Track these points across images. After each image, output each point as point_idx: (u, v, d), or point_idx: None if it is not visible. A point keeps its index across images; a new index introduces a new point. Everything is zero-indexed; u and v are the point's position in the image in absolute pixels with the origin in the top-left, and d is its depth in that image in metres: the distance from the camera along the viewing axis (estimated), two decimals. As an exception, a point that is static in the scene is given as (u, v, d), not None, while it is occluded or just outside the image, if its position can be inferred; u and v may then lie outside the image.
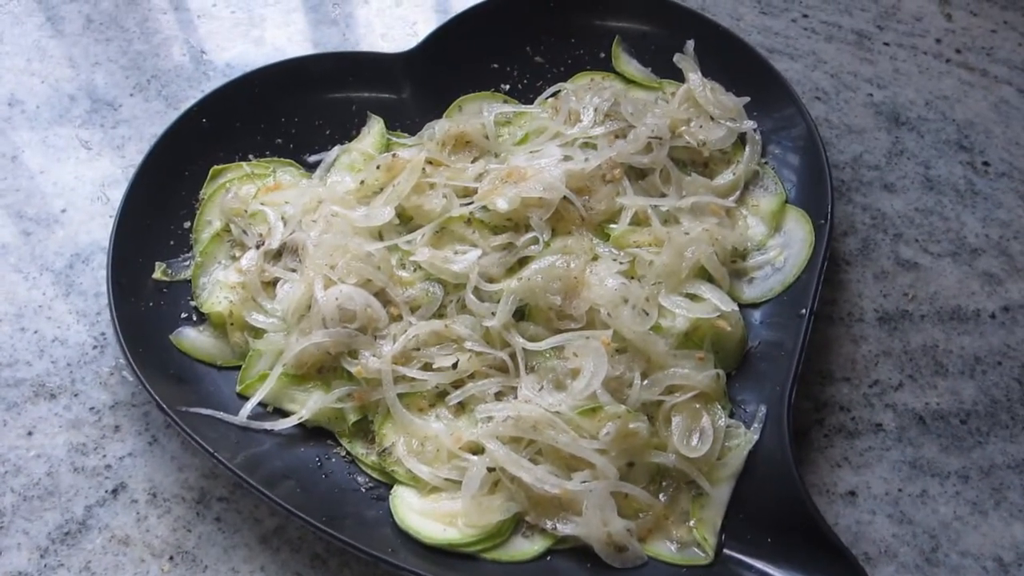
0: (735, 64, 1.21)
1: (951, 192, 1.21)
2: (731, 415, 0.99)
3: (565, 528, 0.91)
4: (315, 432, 1.00)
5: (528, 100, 1.24)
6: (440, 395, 0.99)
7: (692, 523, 0.93)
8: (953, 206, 1.20)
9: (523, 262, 1.04)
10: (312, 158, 1.19)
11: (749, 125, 1.17)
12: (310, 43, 1.39)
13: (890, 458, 1.00)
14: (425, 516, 0.92)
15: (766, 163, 1.17)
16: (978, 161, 1.24)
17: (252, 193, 1.12)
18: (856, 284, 1.13)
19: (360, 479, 0.97)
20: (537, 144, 1.13)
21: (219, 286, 1.07)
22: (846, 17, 1.40)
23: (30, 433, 1.02)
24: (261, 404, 0.99)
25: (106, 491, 0.99)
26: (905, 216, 1.19)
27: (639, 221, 1.08)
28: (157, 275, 1.07)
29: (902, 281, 1.13)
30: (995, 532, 0.96)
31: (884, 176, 1.23)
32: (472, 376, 0.99)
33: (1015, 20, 1.40)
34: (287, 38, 1.39)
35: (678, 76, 1.22)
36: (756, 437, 0.96)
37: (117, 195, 1.08)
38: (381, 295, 1.02)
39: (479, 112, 1.18)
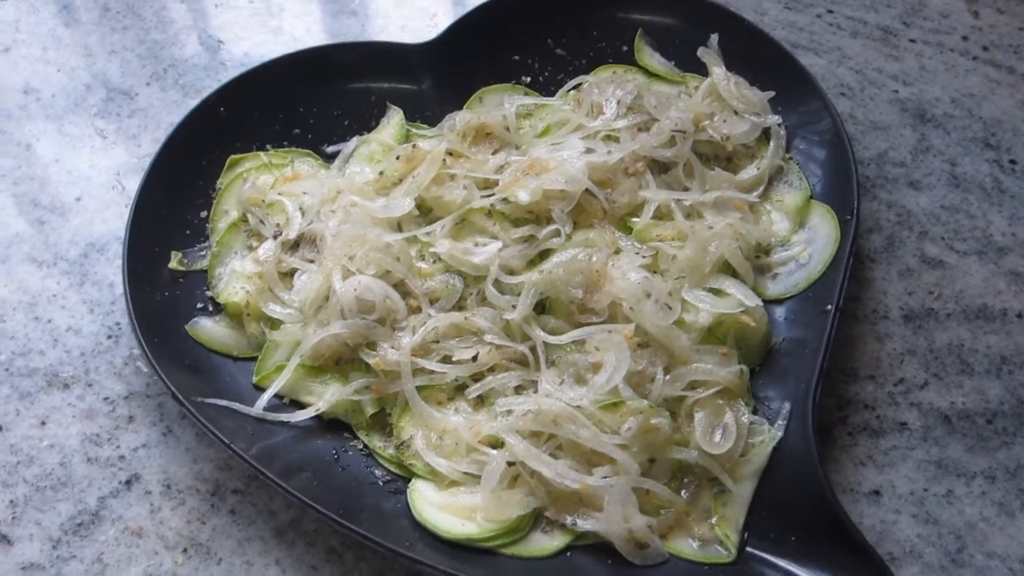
0: (759, 58, 1.20)
1: (977, 190, 1.20)
2: (755, 412, 0.98)
3: (585, 524, 0.90)
4: (332, 424, 0.99)
5: (549, 93, 1.23)
6: (459, 388, 0.98)
7: (714, 520, 0.92)
8: (979, 204, 1.19)
9: (544, 255, 1.04)
10: (331, 148, 1.18)
11: (773, 120, 1.16)
12: (328, 34, 1.38)
13: (915, 457, 1.00)
14: (443, 510, 0.92)
15: (791, 158, 1.16)
16: (1005, 159, 1.23)
17: (270, 183, 1.11)
18: (881, 282, 1.12)
19: (377, 472, 0.96)
20: (559, 136, 1.12)
21: (236, 276, 1.06)
22: (872, 13, 1.39)
23: (43, 423, 1.02)
24: (277, 396, 0.99)
25: (120, 482, 0.98)
26: (931, 214, 1.18)
27: (662, 215, 1.08)
28: (173, 265, 1.07)
29: (927, 279, 1.12)
30: (1021, 533, 0.95)
31: (910, 173, 1.22)
32: (492, 369, 0.98)
33: (1042, 18, 1.39)
34: (305, 28, 1.38)
35: (701, 70, 1.21)
36: (780, 434, 0.95)
37: (132, 184, 1.09)
38: (400, 286, 1.02)
39: (500, 104, 1.18)
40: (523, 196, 1.03)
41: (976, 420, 1.02)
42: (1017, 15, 1.38)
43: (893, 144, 1.24)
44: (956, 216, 1.18)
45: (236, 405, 0.97)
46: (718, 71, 1.18)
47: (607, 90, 1.15)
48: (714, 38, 1.22)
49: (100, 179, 1.21)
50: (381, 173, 1.10)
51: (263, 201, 1.09)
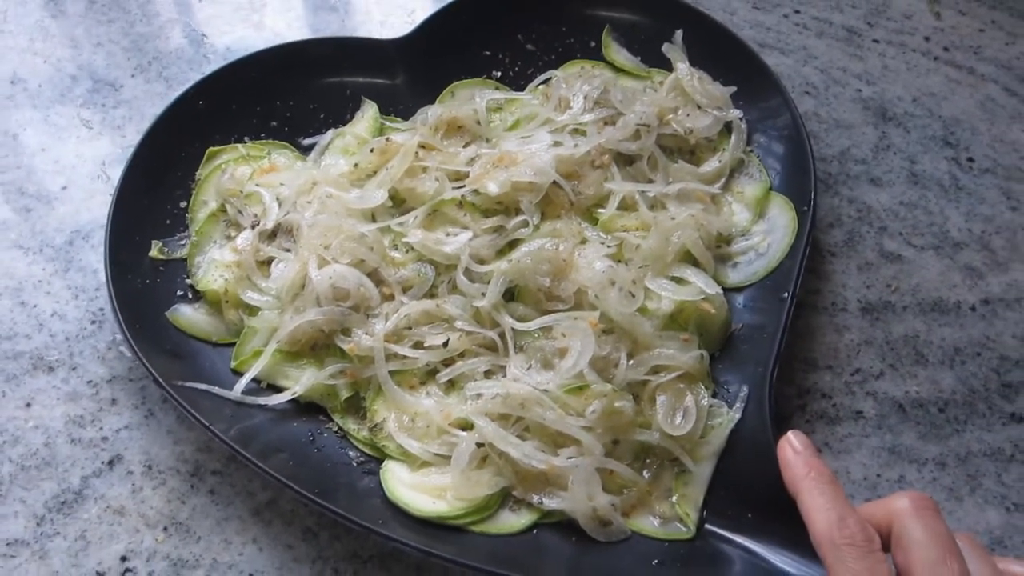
0: (722, 54, 1.22)
1: (935, 187, 1.23)
2: (714, 395, 1.00)
3: (551, 503, 0.92)
4: (308, 407, 1.01)
5: (519, 87, 1.25)
6: (431, 373, 1.00)
7: (675, 499, 0.94)
8: (937, 200, 1.22)
9: (513, 244, 1.06)
10: (307, 141, 1.20)
11: (735, 114, 1.18)
12: (309, 29, 1.40)
13: (869, 444, 1.02)
14: (415, 489, 0.94)
15: (751, 151, 1.18)
16: (963, 157, 1.26)
17: (248, 174, 1.13)
18: (840, 275, 1.15)
19: (351, 454, 0.98)
20: (528, 130, 1.14)
21: (215, 265, 1.08)
22: (837, 14, 1.42)
23: (28, 405, 1.03)
24: (255, 380, 1.00)
25: (102, 462, 1.00)
26: (890, 209, 1.21)
27: (627, 206, 1.10)
28: (154, 253, 1.08)
29: (885, 273, 1.15)
30: (970, 517, 0.98)
31: (870, 170, 1.24)
32: (462, 355, 1.00)
33: (1002, 19, 1.42)
34: (287, 24, 1.40)
35: (667, 65, 1.23)
36: (738, 416, 0.97)
37: (117, 174, 1.09)
38: (374, 275, 1.03)
39: (471, 98, 1.19)
40: (493, 188, 1.05)
41: (929, 409, 1.05)
42: (978, 17, 1.42)
43: (855, 142, 1.27)
44: (914, 212, 1.20)
45: (215, 389, 0.99)
46: (682, 67, 1.20)
47: (574, 85, 1.17)
48: (678, 34, 1.24)
49: (85, 168, 1.22)
50: (356, 165, 1.12)
51: (241, 192, 1.11)
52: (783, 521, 0.86)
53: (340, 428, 1.00)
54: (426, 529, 0.91)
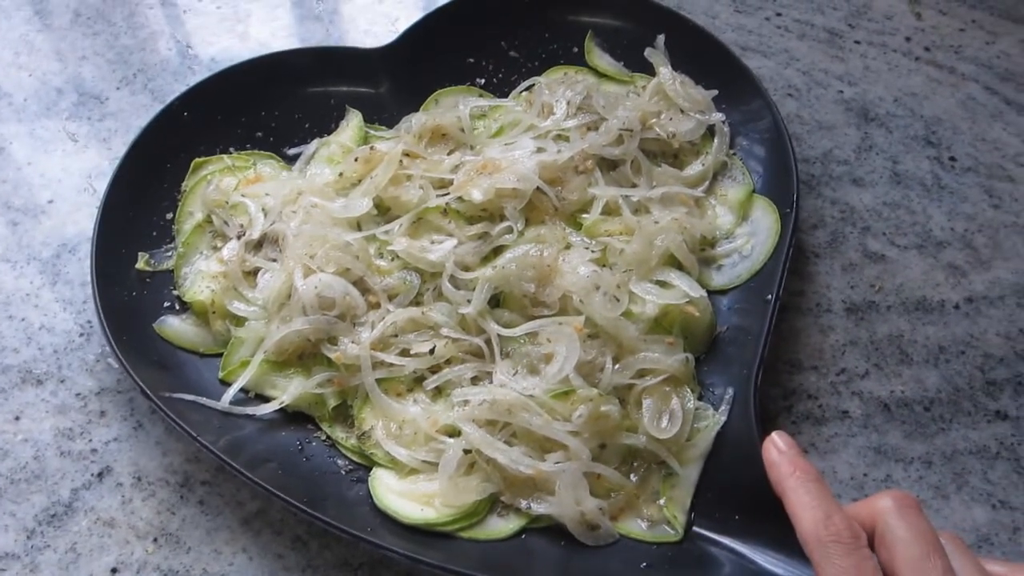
0: (704, 58, 1.23)
1: (918, 186, 1.24)
2: (700, 398, 1.01)
3: (539, 507, 0.93)
4: (296, 417, 1.01)
5: (503, 94, 1.26)
6: (417, 380, 1.01)
7: (662, 502, 0.95)
8: (920, 200, 1.22)
9: (498, 251, 1.06)
10: (292, 151, 1.20)
11: (718, 117, 1.19)
12: (294, 38, 1.40)
13: (856, 444, 1.03)
14: (403, 497, 0.94)
15: (734, 154, 1.19)
16: (944, 156, 1.27)
17: (233, 185, 1.13)
18: (824, 276, 1.15)
19: (340, 462, 0.98)
20: (511, 136, 1.15)
21: (201, 276, 1.08)
22: (818, 16, 1.43)
23: (17, 418, 1.04)
24: (243, 390, 1.00)
25: (92, 475, 1.00)
26: (873, 210, 1.21)
27: (610, 211, 1.10)
28: (140, 265, 1.08)
29: (869, 273, 1.16)
30: (956, 515, 0.98)
31: (853, 171, 1.25)
32: (448, 361, 1.00)
33: (983, 19, 1.42)
34: (271, 33, 1.40)
35: (649, 70, 1.24)
36: (724, 418, 0.98)
37: (103, 186, 1.09)
38: (359, 283, 1.04)
39: (455, 106, 1.20)
40: (477, 195, 1.06)
41: (914, 408, 1.05)
42: (958, 16, 1.42)
43: (838, 143, 1.28)
44: (897, 212, 1.21)
45: (203, 399, 0.99)
46: (664, 71, 1.21)
47: (557, 91, 1.17)
48: (660, 39, 1.25)
49: (72, 182, 1.22)
50: (340, 174, 1.12)
51: (227, 203, 1.11)
52: (770, 522, 0.87)
53: (328, 437, 1.00)
54: (415, 536, 0.91)
